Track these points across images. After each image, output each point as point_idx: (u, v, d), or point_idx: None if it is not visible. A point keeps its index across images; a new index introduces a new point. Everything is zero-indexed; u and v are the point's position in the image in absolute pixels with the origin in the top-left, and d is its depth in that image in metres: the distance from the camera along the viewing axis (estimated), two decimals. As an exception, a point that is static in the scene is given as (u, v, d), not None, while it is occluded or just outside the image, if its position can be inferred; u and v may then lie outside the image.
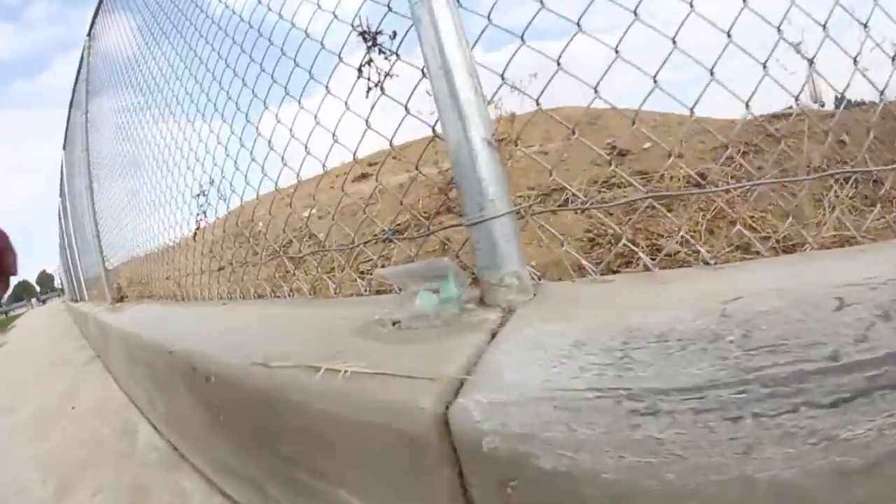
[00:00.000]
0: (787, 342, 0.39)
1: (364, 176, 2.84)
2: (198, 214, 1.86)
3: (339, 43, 0.99)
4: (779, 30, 0.78)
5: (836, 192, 0.88)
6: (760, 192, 1.15)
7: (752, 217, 1.13)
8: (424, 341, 0.64)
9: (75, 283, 6.43)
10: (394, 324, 0.73)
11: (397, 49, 0.89)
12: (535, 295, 0.71)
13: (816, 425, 0.34)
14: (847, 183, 1.22)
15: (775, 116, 1.62)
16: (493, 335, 0.60)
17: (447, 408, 0.47)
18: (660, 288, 0.63)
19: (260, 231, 1.75)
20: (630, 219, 1.24)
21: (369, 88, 0.93)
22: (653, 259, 0.77)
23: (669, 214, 1.13)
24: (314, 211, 1.74)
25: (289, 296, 1.40)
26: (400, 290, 0.86)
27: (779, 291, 0.49)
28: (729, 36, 0.76)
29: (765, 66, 0.76)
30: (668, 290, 0.62)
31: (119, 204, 3.22)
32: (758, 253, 0.83)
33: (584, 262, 0.81)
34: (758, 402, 0.35)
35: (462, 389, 0.49)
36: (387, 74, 0.91)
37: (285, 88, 1.24)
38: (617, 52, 0.74)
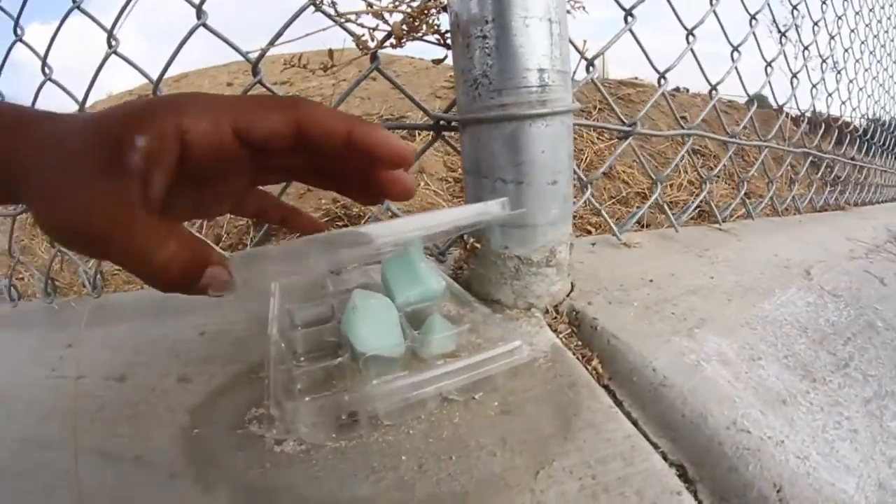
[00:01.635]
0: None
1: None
2: None
3: None
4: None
5: (687, 159, 0.91)
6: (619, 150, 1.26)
7: (623, 171, 1.14)
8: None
9: None
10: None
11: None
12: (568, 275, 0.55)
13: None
14: (695, 154, 1.36)
15: (623, 83, 1.85)
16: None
17: None
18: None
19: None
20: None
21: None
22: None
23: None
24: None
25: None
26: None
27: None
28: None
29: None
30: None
31: None
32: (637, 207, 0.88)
33: (610, 222, 0.78)
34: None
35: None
36: None
37: None
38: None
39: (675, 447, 0.40)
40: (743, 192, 0.94)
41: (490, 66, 0.44)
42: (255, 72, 0.57)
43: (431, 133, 0.59)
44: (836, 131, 1.55)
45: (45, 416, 0.50)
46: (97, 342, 0.64)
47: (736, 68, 0.82)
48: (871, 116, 2.07)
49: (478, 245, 0.51)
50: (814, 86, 1.16)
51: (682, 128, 0.75)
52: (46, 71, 0.73)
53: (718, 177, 1.45)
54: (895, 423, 0.52)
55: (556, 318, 0.51)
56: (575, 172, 0.65)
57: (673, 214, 0.81)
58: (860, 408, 0.52)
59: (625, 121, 0.67)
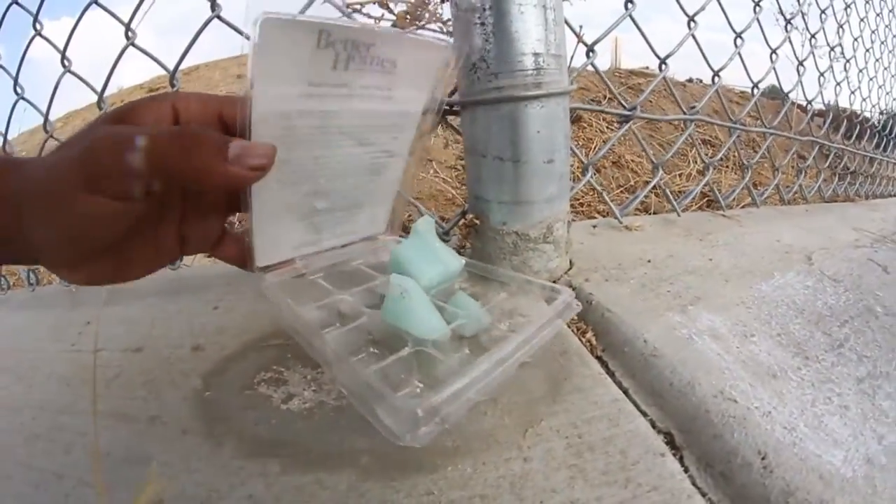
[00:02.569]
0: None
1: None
2: None
3: None
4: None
5: (697, 149, 0.91)
6: (631, 138, 1.25)
7: (632, 160, 1.15)
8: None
9: None
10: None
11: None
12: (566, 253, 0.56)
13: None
14: (705, 144, 1.45)
15: (633, 73, 1.85)
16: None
17: None
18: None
19: None
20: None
21: None
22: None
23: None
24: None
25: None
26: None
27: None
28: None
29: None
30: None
31: None
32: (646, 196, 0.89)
33: (611, 205, 0.80)
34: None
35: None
36: None
37: None
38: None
39: (664, 415, 0.42)
40: (748, 179, 0.94)
41: (488, 52, 0.46)
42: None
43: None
44: (848, 122, 1.54)
45: (64, 385, 0.53)
46: (115, 318, 0.67)
47: (740, 55, 0.82)
48: (884, 109, 2.05)
49: (477, 221, 0.52)
50: (821, 74, 1.15)
51: (685, 112, 0.75)
52: (66, 63, 0.76)
53: (727, 166, 1.44)
54: (887, 403, 0.53)
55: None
56: (576, 154, 0.67)
57: (678, 202, 0.82)
58: (852, 386, 0.53)
59: (626, 106, 0.68)
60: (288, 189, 0.33)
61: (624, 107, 0.68)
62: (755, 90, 0.90)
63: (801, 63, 1.03)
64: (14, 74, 0.88)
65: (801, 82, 1.03)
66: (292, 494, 0.31)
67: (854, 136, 1.65)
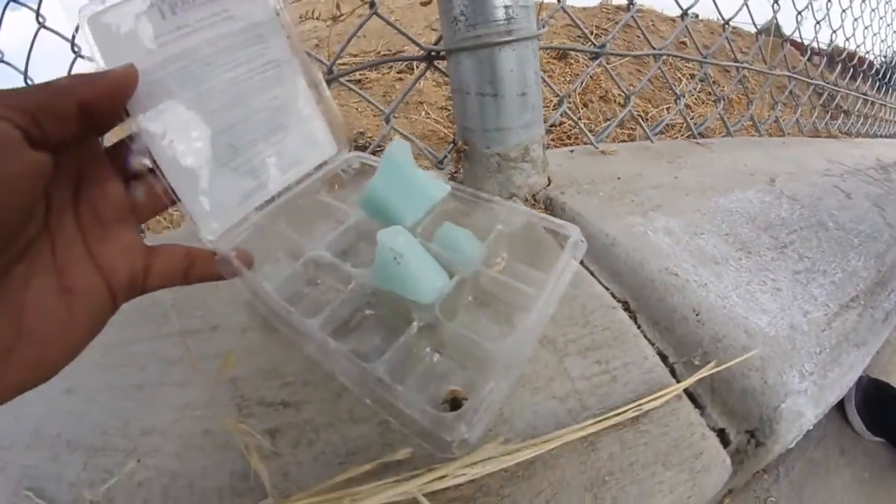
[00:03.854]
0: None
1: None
2: None
3: None
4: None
5: (685, 83, 0.97)
6: (620, 74, 1.31)
7: (619, 95, 1.21)
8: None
9: None
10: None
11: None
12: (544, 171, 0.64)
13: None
14: (693, 78, 1.43)
15: (620, 8, 1.86)
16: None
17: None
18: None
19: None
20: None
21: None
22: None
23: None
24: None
25: None
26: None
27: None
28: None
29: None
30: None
31: None
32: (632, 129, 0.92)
33: (586, 131, 0.86)
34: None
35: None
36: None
37: None
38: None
39: (622, 289, 0.52)
40: (720, 108, 1.01)
41: (466, 6, 0.54)
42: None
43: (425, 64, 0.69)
44: (845, 63, 1.58)
45: (122, 326, 0.59)
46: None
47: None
48: (882, 56, 2.11)
49: (466, 147, 0.61)
50: (817, 22, 1.19)
51: (654, 47, 0.82)
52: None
53: (713, 101, 1.50)
54: (819, 290, 0.63)
55: (533, 204, 0.62)
56: (552, 88, 0.74)
57: (667, 136, 0.89)
58: (788, 276, 0.62)
59: (595, 44, 0.75)
60: (192, 142, 0.30)
61: (594, 44, 0.75)
62: (726, 27, 0.96)
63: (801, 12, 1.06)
64: None
65: (775, 18, 1.08)
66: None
67: (845, 75, 1.70)
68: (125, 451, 0.41)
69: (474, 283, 0.34)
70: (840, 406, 0.83)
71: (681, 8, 0.83)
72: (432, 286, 0.31)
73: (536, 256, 0.35)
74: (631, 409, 0.39)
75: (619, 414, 0.38)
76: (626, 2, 0.78)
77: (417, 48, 0.67)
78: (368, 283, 0.32)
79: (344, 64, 1.17)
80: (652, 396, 0.40)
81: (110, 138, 0.29)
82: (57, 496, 0.39)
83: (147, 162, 0.28)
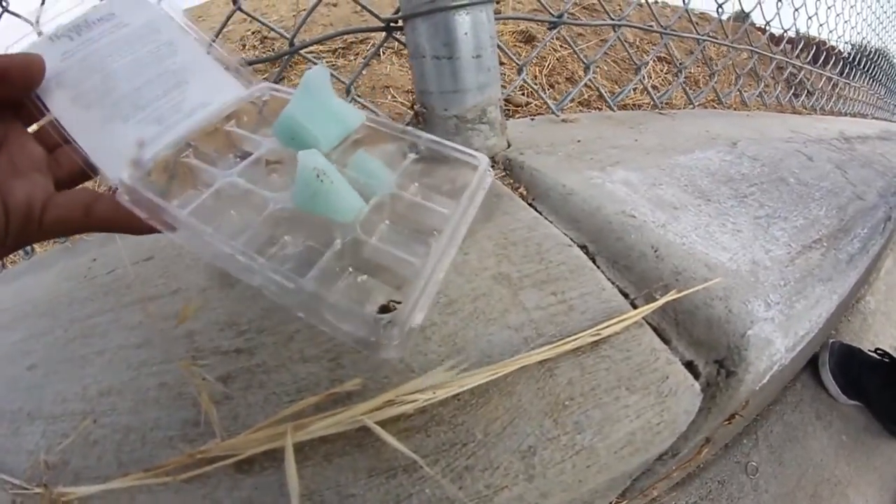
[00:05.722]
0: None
1: None
2: None
3: None
4: None
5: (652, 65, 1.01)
6: (588, 56, 1.33)
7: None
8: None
9: None
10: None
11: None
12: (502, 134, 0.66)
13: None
14: (660, 60, 1.50)
15: None
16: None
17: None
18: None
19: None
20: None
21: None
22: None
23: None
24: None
25: None
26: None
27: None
28: None
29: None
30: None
31: None
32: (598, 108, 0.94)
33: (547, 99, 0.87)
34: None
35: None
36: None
37: None
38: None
39: (580, 234, 0.52)
40: (681, 79, 1.03)
41: None
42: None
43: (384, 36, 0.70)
44: (814, 48, 1.64)
45: (86, 301, 0.60)
46: (122, 245, 0.75)
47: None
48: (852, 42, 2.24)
49: (424, 110, 0.62)
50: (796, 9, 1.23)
51: (613, 19, 0.84)
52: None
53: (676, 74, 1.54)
54: (780, 233, 0.64)
55: (493, 166, 0.63)
56: (511, 59, 0.75)
57: (614, 100, 0.91)
58: (749, 221, 0.63)
59: (553, 14, 0.77)
60: (97, 108, 0.32)
61: (552, 14, 0.77)
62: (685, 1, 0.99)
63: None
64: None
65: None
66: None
67: (820, 61, 1.77)
68: (82, 413, 0.40)
69: (391, 205, 0.34)
70: (815, 371, 0.85)
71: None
72: (353, 206, 0.31)
73: (448, 184, 0.35)
74: (588, 333, 0.39)
75: (576, 339, 0.38)
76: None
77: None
78: (286, 205, 0.31)
79: (311, 52, 1.19)
80: (611, 322, 0.40)
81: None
82: (15, 467, 0.38)
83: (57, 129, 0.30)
